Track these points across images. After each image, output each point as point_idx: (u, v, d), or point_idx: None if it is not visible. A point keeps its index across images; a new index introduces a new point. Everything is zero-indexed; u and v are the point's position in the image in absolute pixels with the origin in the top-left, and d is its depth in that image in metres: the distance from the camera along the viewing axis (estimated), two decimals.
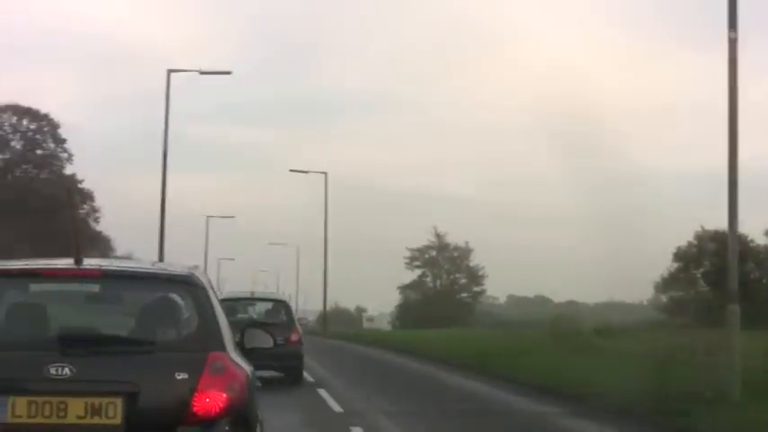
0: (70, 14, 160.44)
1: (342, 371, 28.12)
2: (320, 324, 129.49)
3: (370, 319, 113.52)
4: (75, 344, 6.41)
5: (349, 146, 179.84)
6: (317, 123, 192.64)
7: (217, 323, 6.87)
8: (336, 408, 18.33)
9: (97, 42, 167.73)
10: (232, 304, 21.45)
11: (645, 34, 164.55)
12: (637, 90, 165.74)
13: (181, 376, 6.34)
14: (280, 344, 13.60)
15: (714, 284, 58.28)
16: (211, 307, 6.92)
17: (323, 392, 20.84)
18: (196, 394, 6.32)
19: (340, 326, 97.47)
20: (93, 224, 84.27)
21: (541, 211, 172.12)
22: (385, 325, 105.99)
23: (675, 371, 18.45)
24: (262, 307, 25.36)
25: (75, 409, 6.16)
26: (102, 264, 7.46)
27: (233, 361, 6.78)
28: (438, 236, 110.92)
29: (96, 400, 6.18)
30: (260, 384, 8.41)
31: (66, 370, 6.19)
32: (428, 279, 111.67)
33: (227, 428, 6.39)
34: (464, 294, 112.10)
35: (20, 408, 6.09)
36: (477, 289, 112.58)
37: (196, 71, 44.11)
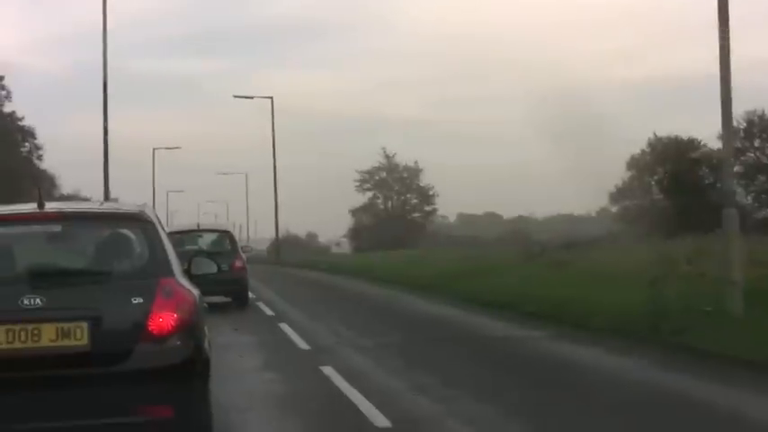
0: None
1: (302, 302, 26.19)
2: (273, 252, 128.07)
3: (338, 245, 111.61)
4: (44, 277, 7.13)
5: (292, 73, 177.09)
6: (259, 52, 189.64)
7: (165, 253, 7.64)
8: (302, 345, 16.58)
9: None
10: (179, 237, 22.05)
11: None
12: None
13: (136, 300, 7.11)
14: (224, 270, 14.87)
15: (668, 192, 57.06)
16: (159, 239, 7.71)
17: (285, 327, 19.05)
18: (150, 315, 7.08)
19: (294, 253, 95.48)
20: (36, 162, 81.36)
21: (489, 129, 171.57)
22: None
23: (666, 284, 16.76)
24: (207, 238, 26.18)
25: (48, 333, 6.88)
26: (62, 207, 8.54)
27: (181, 285, 7.58)
28: (387, 157, 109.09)
29: (65, 325, 6.90)
30: (206, 306, 8.90)
31: (38, 300, 6.93)
32: (379, 201, 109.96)
33: (178, 343, 7.14)
34: (416, 214, 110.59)
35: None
36: (428, 208, 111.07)
37: None
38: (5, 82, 78.09)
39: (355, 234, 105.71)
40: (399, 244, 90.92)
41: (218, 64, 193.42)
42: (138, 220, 7.84)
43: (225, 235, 26.15)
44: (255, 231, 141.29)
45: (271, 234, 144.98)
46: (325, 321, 20.21)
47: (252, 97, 70.90)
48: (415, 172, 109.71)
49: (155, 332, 7.09)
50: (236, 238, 27.30)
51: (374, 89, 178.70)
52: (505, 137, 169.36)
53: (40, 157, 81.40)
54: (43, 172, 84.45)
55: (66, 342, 6.92)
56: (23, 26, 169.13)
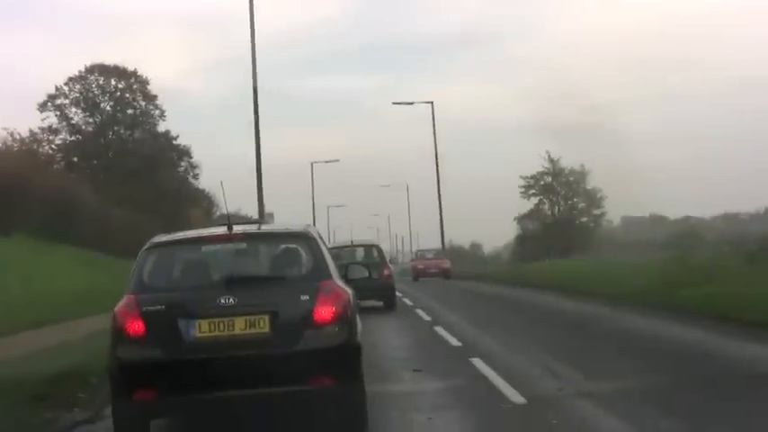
0: None
1: (488, 325, 20.72)
2: None
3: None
4: (235, 282, 8.95)
5: (448, 85, 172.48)
6: (414, 65, 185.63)
7: (325, 262, 9.37)
8: (512, 394, 11.28)
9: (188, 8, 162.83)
10: (337, 251, 23.57)
11: None
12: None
13: (304, 298, 8.84)
14: (375, 278, 20.29)
15: None
16: (321, 251, 9.44)
17: (479, 364, 13.77)
18: (315, 309, 8.78)
19: (460, 264, 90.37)
20: (192, 181, 78.18)
21: (649, 130, 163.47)
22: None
23: None
24: (359, 251, 29.43)
25: (239, 324, 8.66)
26: (246, 229, 10.22)
27: (338, 286, 9.25)
28: (552, 161, 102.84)
29: (252, 318, 8.67)
30: (360, 302, 11.40)
31: (231, 300, 8.71)
32: (545, 206, 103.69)
33: (336, 329, 8.79)
34: (584, 219, 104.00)
35: (204, 327, 8.63)
36: (596, 212, 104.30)
37: None
38: (159, 101, 75.34)
39: (522, 242, 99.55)
40: (568, 251, 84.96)
41: (373, 79, 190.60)
42: (303, 237, 9.66)
43: (374, 248, 29.82)
44: (418, 243, 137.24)
45: (433, 246, 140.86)
46: (529, 353, 14.87)
47: (412, 103, 66.62)
48: (581, 175, 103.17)
49: (318, 321, 8.75)
50: (384, 250, 30.83)
51: (529, 95, 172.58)
52: (663, 137, 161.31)
53: (196, 176, 78.40)
54: (201, 192, 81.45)
55: (252, 330, 8.67)
56: (184, 51, 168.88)
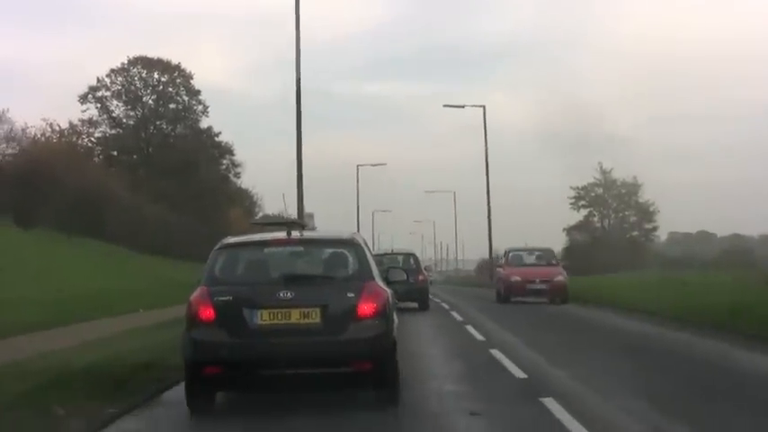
0: None
1: (568, 355, 16.03)
2: (481, 273, 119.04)
3: None
4: (292, 280, 10.09)
5: (498, 94, 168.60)
6: (463, 74, 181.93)
7: (369, 265, 10.51)
8: None
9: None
10: (379, 258, 23.88)
11: None
12: None
13: (350, 295, 9.92)
14: (411, 282, 26.74)
15: None
16: (365, 256, 10.60)
17: (569, 422, 9.76)
18: (359, 304, 9.86)
19: None
20: (233, 179, 74.84)
21: (698, 146, 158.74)
22: None
23: None
24: (398, 258, 32.02)
25: (295, 315, 9.75)
26: (303, 235, 11.87)
27: (379, 286, 10.33)
28: (604, 173, 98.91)
29: (306, 310, 9.75)
30: (397, 302, 12.41)
31: (289, 294, 9.79)
32: (595, 219, 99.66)
33: (376, 322, 9.84)
34: (634, 233, 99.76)
35: (265, 316, 9.73)
36: (648, 226, 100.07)
37: None
38: (203, 97, 72.14)
39: (570, 253, 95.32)
40: (618, 265, 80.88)
41: (423, 86, 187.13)
42: (351, 243, 10.81)
43: (411, 256, 32.70)
44: (463, 252, 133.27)
45: (478, 255, 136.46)
46: (623, 399, 10.94)
47: (463, 106, 62.45)
48: (633, 188, 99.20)
49: (361, 315, 9.83)
50: (420, 258, 33.76)
51: (580, 107, 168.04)
52: (713, 155, 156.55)
53: (237, 175, 75.14)
54: (243, 191, 78.18)
55: (306, 320, 9.76)
56: (234, 53, 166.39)
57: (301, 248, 11.33)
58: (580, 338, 19.50)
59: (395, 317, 10.60)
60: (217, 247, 10.77)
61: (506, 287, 33.02)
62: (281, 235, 11.44)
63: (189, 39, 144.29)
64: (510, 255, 35.67)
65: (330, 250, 11.08)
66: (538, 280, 32.46)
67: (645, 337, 19.34)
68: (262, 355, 9.70)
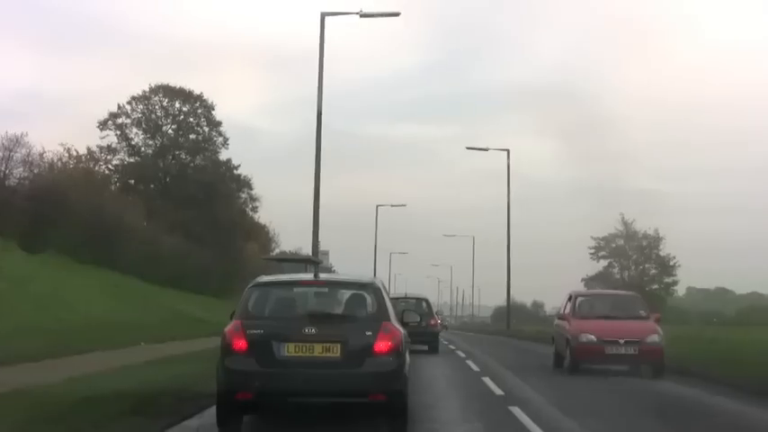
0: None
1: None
2: (496, 320, 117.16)
3: None
4: (316, 317, 11.06)
5: (520, 138, 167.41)
6: (487, 118, 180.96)
7: (386, 307, 11.32)
8: None
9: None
10: (394, 301, 21.51)
11: None
12: None
13: (368, 333, 10.75)
14: (423, 326, 26.79)
15: None
16: (383, 299, 11.39)
17: None
18: (376, 342, 10.67)
19: (521, 322, 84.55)
20: (250, 213, 73.42)
21: (715, 200, 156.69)
22: None
23: None
24: (412, 302, 32.14)
25: (318, 349, 10.60)
26: (328, 277, 13.79)
27: (395, 326, 11.17)
28: (625, 224, 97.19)
29: (328, 344, 10.60)
30: (410, 340, 12.51)
31: (313, 330, 10.66)
32: (615, 270, 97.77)
33: (390, 359, 10.62)
34: (654, 286, 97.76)
35: (291, 348, 10.60)
36: (668, 280, 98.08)
37: (356, 13, 33.34)
38: (223, 128, 70.93)
39: None
40: None
41: (446, 129, 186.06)
42: (370, 287, 11.70)
43: (423, 300, 33.73)
44: (479, 297, 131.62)
45: (494, 302, 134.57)
46: None
47: (487, 149, 60.96)
48: (655, 240, 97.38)
49: (377, 352, 10.65)
50: (432, 303, 35.52)
51: (602, 157, 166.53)
52: (737, 209, 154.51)
53: (255, 209, 73.77)
54: (260, 226, 76.82)
55: (327, 354, 10.60)
56: (259, 89, 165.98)
57: (326, 289, 12.53)
58: None
59: (407, 355, 11.45)
60: (250, 285, 11.70)
61: (576, 350, 22.19)
62: (309, 277, 13.86)
63: (213, 70, 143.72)
64: (578, 301, 24.36)
65: (351, 292, 11.92)
66: (623, 341, 21.82)
67: None
68: (287, 384, 10.63)
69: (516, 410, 13.37)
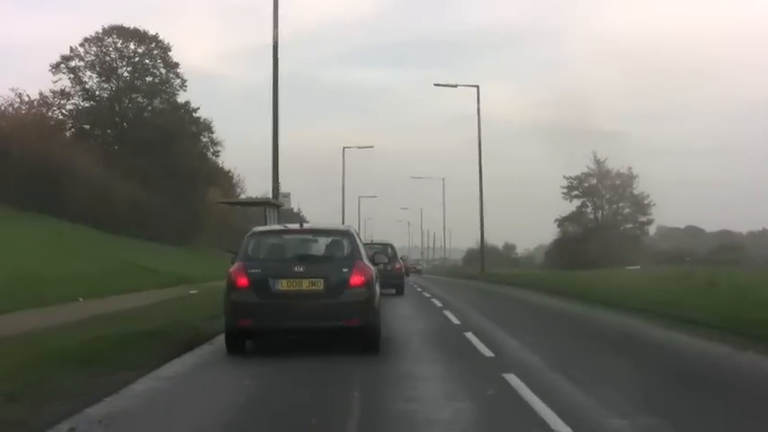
0: None
1: (625, 385, 11.19)
2: (467, 263, 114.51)
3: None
4: (303, 258, 13.60)
5: (489, 81, 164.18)
6: (447, 63, 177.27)
7: (359, 249, 13.89)
8: None
9: None
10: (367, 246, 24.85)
11: None
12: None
13: (344, 270, 13.22)
14: (389, 269, 30.52)
15: None
16: (357, 243, 13.98)
17: None
18: (351, 277, 13.13)
19: (493, 265, 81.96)
20: (212, 157, 70.07)
21: (685, 141, 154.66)
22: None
23: None
24: (379, 247, 32.78)
25: (305, 283, 13.05)
26: (311, 226, 16.41)
27: (366, 265, 13.67)
28: (598, 162, 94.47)
29: (313, 280, 13.06)
30: (378, 276, 14.71)
31: (301, 268, 13.13)
32: (588, 210, 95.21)
33: (363, 290, 13.10)
34: (629, 225, 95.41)
35: (284, 284, 13.02)
36: (643, 219, 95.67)
37: None
38: (180, 70, 67.37)
39: (561, 246, 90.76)
40: (609, 258, 76.58)
41: (409, 73, 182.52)
42: (346, 233, 14.37)
43: (389, 246, 35.61)
44: (450, 240, 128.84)
45: (465, 244, 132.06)
46: None
47: (456, 85, 58.32)
48: (628, 179, 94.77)
49: (352, 284, 13.09)
50: (396, 248, 36.78)
51: (575, 98, 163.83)
52: (699, 150, 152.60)
53: (216, 153, 70.40)
54: (223, 171, 73.55)
55: (313, 288, 13.04)
56: (218, 38, 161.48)
57: (311, 236, 15.17)
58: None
59: (377, 288, 13.92)
60: (248, 234, 14.42)
61: None
62: (296, 226, 15.94)
63: (176, 23, 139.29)
64: None
65: (331, 238, 14.58)
66: None
67: None
68: (281, 312, 13.01)
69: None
